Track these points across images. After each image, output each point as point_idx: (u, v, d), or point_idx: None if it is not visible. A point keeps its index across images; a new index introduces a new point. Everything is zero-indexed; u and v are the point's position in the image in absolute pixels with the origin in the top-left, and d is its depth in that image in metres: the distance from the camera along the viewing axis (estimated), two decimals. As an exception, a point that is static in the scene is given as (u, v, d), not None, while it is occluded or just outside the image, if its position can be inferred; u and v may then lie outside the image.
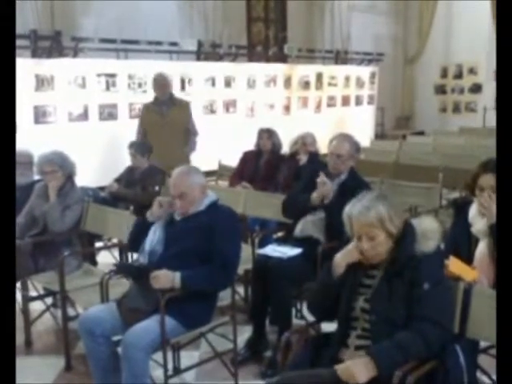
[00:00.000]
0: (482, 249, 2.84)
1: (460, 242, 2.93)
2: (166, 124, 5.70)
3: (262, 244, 4.01)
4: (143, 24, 8.32)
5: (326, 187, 3.39)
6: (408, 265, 2.17)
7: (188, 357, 3.31)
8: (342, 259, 2.27)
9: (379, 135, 12.24)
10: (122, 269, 3.19)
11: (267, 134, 5.15)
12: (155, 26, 8.44)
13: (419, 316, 2.07)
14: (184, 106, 6.02)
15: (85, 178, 6.24)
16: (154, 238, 2.88)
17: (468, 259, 2.82)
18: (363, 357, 2.01)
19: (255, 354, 3.44)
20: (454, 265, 2.67)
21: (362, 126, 11.33)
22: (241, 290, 4.08)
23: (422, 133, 12.23)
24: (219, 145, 8.30)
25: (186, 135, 5.91)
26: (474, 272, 2.68)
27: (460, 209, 3.06)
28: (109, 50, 7.83)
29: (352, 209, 2.24)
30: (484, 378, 2.60)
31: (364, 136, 10.40)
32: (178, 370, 3.16)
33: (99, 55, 7.69)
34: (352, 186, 3.38)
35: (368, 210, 2.20)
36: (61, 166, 3.81)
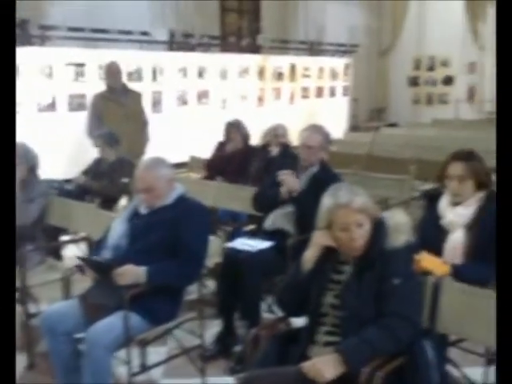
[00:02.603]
0: (452, 240, 2.83)
1: (430, 234, 2.90)
2: (126, 114, 5.63)
3: (234, 237, 3.95)
4: (113, 13, 8.13)
5: (290, 179, 3.35)
6: (379, 259, 2.12)
7: (156, 353, 3.22)
8: (310, 253, 2.21)
9: (352, 127, 12.25)
10: (85, 262, 3.05)
11: (235, 128, 5.09)
12: (125, 14, 8.26)
13: (388, 311, 2.03)
14: (137, 96, 6.03)
15: (53, 170, 6.11)
16: (116, 231, 2.79)
17: (437, 251, 2.80)
18: (331, 353, 1.96)
19: (224, 349, 3.38)
20: (426, 260, 2.64)
21: (335, 117, 11.30)
22: (212, 283, 4.01)
23: (395, 125, 12.28)
24: (191, 136, 8.19)
25: (142, 126, 5.93)
26: (444, 267, 2.66)
27: (431, 201, 3.04)
28: (77, 38, 7.63)
29: (336, 198, 2.15)
30: (454, 371, 2.59)
31: (338, 128, 10.40)
32: (144, 367, 3.08)
33: (67, 44, 7.49)
34: (323, 179, 3.34)
35: (356, 195, 2.15)
36: (23, 159, 3.68)
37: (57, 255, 4.29)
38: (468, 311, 2.18)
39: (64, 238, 4.52)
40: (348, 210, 2.12)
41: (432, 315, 2.19)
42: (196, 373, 3.07)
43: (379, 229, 2.17)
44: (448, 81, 12.92)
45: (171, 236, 2.70)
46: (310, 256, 2.21)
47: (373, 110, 13.76)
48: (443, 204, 2.90)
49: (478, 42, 12.23)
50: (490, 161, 5.69)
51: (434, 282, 2.24)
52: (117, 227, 2.82)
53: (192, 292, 3.13)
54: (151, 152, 5.89)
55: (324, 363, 1.93)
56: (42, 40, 7.35)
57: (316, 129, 3.58)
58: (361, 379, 1.89)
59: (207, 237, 2.83)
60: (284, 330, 2.33)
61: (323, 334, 2.14)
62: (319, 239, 2.20)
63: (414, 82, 13.53)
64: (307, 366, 1.95)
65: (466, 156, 2.84)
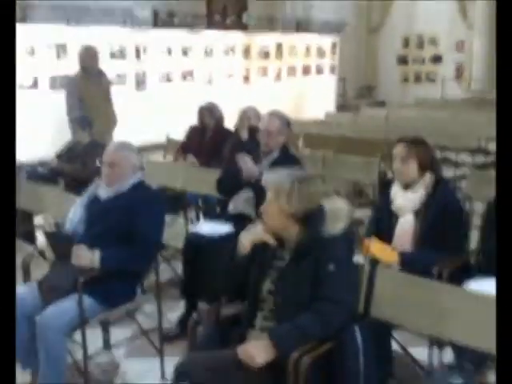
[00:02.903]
0: (401, 225, 2.90)
1: (382, 219, 2.98)
2: (102, 95, 5.78)
3: (206, 219, 4.02)
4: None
5: (248, 165, 3.41)
6: (315, 246, 2.18)
7: (120, 334, 3.32)
8: (248, 239, 2.27)
9: (340, 105, 12.24)
10: (51, 235, 3.02)
11: (208, 112, 5.11)
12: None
13: (321, 296, 2.09)
14: (108, 78, 6.20)
15: (34, 150, 6.15)
16: (74, 217, 2.85)
17: (389, 236, 2.88)
18: (264, 338, 2.04)
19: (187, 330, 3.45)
20: (375, 246, 2.71)
21: (323, 95, 11.31)
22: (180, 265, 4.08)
23: (383, 103, 12.29)
24: (174, 115, 8.20)
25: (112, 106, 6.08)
26: (393, 253, 2.73)
27: (385, 187, 3.11)
28: (59, 17, 7.59)
29: (267, 175, 2.33)
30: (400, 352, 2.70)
31: (325, 106, 10.41)
32: (106, 347, 3.18)
33: (48, 23, 7.46)
34: (283, 165, 3.37)
35: (272, 179, 2.27)
36: None
37: (31, 237, 4.35)
38: (402, 298, 2.26)
39: (39, 219, 4.58)
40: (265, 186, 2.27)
41: (367, 301, 2.27)
42: (156, 353, 3.17)
43: (316, 216, 2.21)
44: (436, 59, 12.91)
45: (126, 222, 2.76)
46: (246, 241, 2.27)
47: (362, 87, 13.73)
48: (394, 189, 2.97)
49: (467, 21, 12.18)
50: (464, 140, 5.70)
51: (369, 268, 2.30)
52: (74, 213, 2.89)
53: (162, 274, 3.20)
54: (132, 131, 5.96)
55: (256, 348, 2.00)
56: (23, 18, 7.32)
57: (274, 114, 3.63)
58: (289, 364, 1.97)
59: (160, 223, 2.89)
60: (228, 313, 2.40)
61: (261, 318, 2.21)
62: (260, 234, 2.27)
63: (402, 60, 13.51)
64: (240, 350, 2.02)
65: (411, 139, 2.94)
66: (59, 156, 4.89)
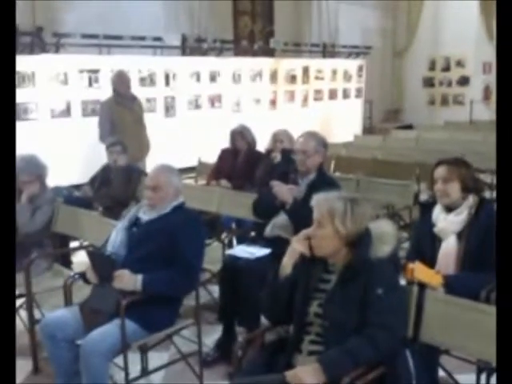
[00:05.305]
0: (444, 248, 2.85)
1: (424, 243, 2.94)
2: (134, 119, 5.86)
3: (240, 243, 4.02)
4: (127, 19, 8.25)
5: (282, 190, 3.42)
6: (362, 270, 2.16)
7: (158, 358, 3.30)
8: (287, 259, 2.29)
9: (367, 128, 12.22)
10: (95, 256, 2.97)
11: (240, 135, 5.15)
12: (139, 20, 8.37)
13: (371, 321, 2.06)
14: (140, 103, 6.31)
15: (67, 175, 6.23)
16: (116, 240, 2.87)
17: (431, 260, 2.83)
18: (313, 363, 2.01)
19: (225, 354, 3.43)
20: (419, 270, 2.66)
21: (349, 119, 11.32)
22: (216, 288, 4.07)
23: (410, 126, 12.21)
24: (204, 140, 8.27)
25: (145, 130, 6.16)
26: (438, 277, 2.68)
27: (425, 209, 3.07)
28: (91, 45, 7.76)
29: (319, 196, 2.30)
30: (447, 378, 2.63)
31: (352, 129, 10.41)
32: (145, 372, 3.16)
33: (81, 51, 7.63)
34: (320, 187, 3.36)
35: (326, 200, 2.25)
36: (38, 175, 3.78)
37: (67, 261, 4.39)
38: (450, 322, 2.21)
39: (74, 244, 4.61)
40: (316, 208, 2.26)
41: (416, 325, 2.22)
42: (195, 378, 3.14)
43: (364, 239, 2.20)
44: (463, 81, 12.84)
45: (168, 245, 2.77)
46: (286, 262, 2.28)
47: (388, 111, 13.70)
48: (436, 212, 2.93)
49: (493, 41, 12.11)
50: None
51: (418, 292, 2.26)
52: (116, 236, 2.91)
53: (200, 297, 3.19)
54: (163, 155, 5.99)
55: (305, 373, 1.97)
56: (57, 47, 7.50)
57: (311, 135, 3.65)
58: (340, 389, 1.93)
59: (201, 247, 2.90)
60: (272, 338, 2.38)
61: (308, 342, 2.19)
62: (294, 245, 2.27)
63: (429, 82, 13.46)
64: (290, 375, 1.99)
65: (451, 160, 2.92)
66: (95, 180, 4.94)
